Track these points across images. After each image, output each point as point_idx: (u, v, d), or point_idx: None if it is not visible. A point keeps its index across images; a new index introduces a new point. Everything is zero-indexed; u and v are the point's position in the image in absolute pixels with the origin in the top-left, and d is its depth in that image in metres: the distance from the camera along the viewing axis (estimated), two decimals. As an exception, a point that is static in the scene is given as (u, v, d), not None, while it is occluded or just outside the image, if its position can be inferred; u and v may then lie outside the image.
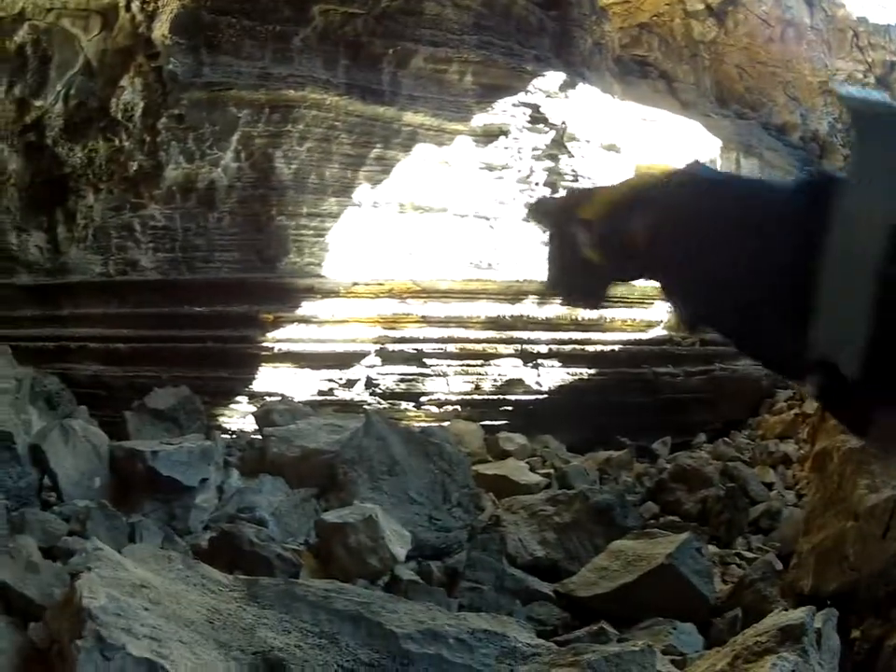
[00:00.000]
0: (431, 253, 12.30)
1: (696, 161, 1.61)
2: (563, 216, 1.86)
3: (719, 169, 17.06)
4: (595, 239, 1.74)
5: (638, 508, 9.30)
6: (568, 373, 12.61)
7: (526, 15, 13.70)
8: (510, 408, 12.07)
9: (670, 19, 19.00)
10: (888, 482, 5.89)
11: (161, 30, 10.98)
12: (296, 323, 11.22)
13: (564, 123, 13.43)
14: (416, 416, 11.35)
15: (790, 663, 3.55)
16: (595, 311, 12.71)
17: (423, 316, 11.87)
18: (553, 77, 13.54)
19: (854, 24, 20.68)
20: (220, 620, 3.68)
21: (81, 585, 3.34)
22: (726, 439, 12.81)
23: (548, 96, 13.42)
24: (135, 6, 11.21)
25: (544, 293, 12.71)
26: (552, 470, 10.26)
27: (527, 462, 10.57)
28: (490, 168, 12.92)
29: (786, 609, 4.37)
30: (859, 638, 5.32)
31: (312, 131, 11.64)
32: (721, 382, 13.73)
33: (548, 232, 1.93)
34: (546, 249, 1.85)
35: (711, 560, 7.38)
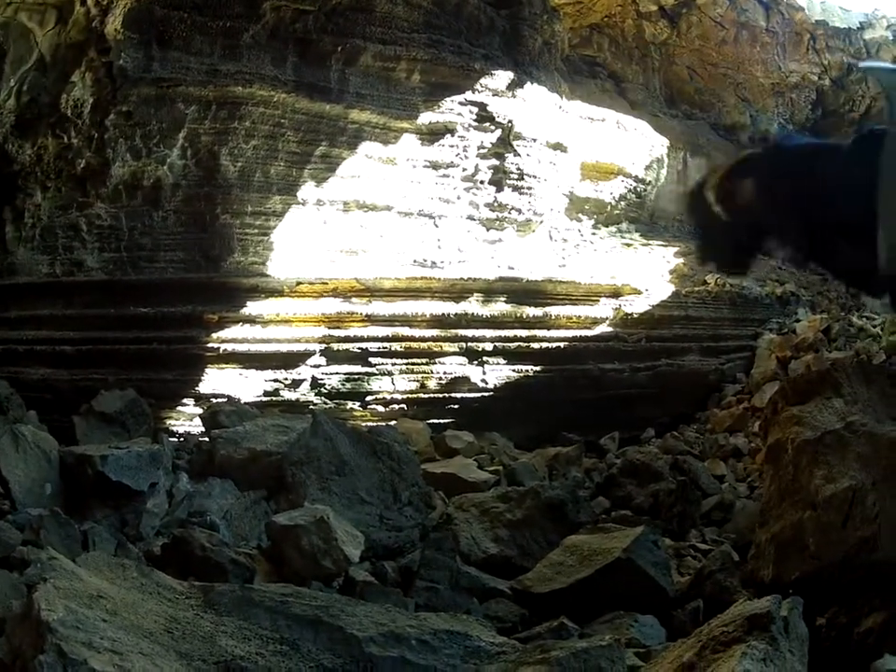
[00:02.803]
0: (376, 251, 12.27)
1: (784, 129, 1.82)
2: (697, 197, 2.09)
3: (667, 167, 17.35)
4: (719, 201, 1.98)
5: (590, 503, 9.30)
6: (514, 371, 12.62)
7: (477, 14, 13.71)
8: (456, 406, 12.05)
9: (622, 20, 19.03)
10: (844, 472, 5.99)
11: (113, 24, 10.77)
12: (241, 323, 11.08)
13: (510, 122, 13.48)
14: (363, 416, 11.26)
15: (759, 651, 3.56)
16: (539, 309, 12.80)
17: (367, 315, 11.80)
18: (502, 76, 13.61)
19: (812, 27, 20.87)
20: (179, 629, 3.60)
21: (38, 598, 3.24)
22: (675, 433, 12.95)
23: (495, 95, 13.47)
24: (91, 0, 11.01)
25: (489, 290, 12.78)
26: (500, 468, 10.20)
27: (475, 460, 10.51)
28: (435, 166, 12.92)
29: (749, 599, 4.39)
30: (825, 626, 5.39)
31: (258, 128, 11.54)
32: (667, 377, 13.87)
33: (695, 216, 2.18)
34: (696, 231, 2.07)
35: (666, 552, 7.37)
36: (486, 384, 12.32)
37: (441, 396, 12.04)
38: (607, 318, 13.76)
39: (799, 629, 3.93)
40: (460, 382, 12.16)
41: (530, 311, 13.03)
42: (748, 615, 3.83)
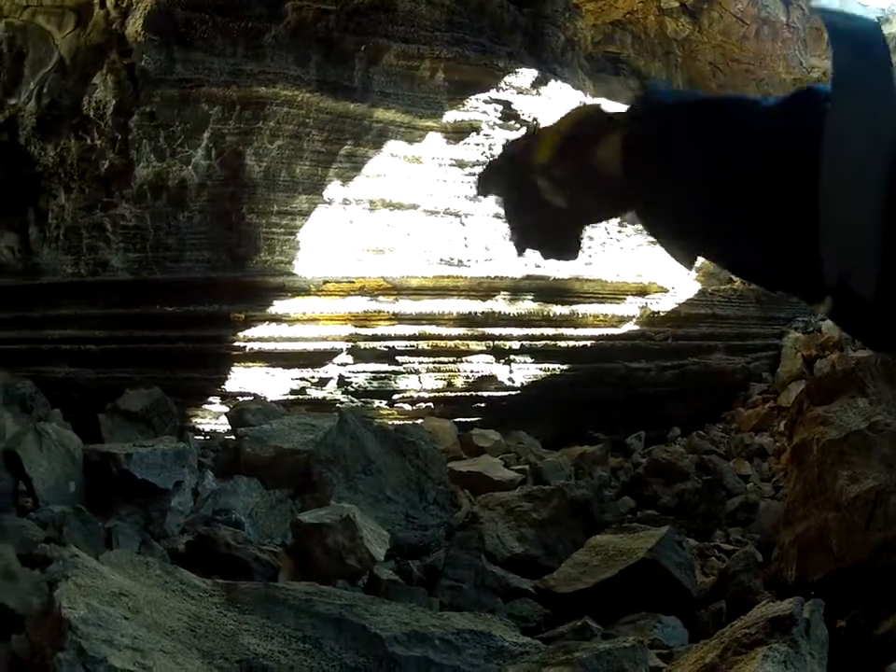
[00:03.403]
0: (402, 250, 12.23)
1: (651, 86, 1.47)
2: (514, 168, 1.68)
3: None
4: (558, 181, 1.57)
5: (615, 502, 9.35)
6: (541, 369, 12.61)
7: (500, 12, 13.66)
8: (482, 404, 12.04)
9: (644, 16, 18.89)
10: (868, 472, 5.96)
11: (134, 27, 10.82)
12: (267, 322, 11.12)
13: (535, 119, 13.41)
14: (389, 414, 11.27)
15: (780, 654, 3.54)
16: (566, 307, 12.71)
17: (394, 314, 11.81)
18: (526, 74, 13.54)
19: None
20: (202, 627, 3.61)
21: (60, 595, 3.26)
22: (700, 432, 12.87)
23: (520, 93, 13.41)
24: (109, 2, 11.02)
25: (516, 289, 12.72)
26: (526, 466, 10.22)
27: (502, 458, 10.51)
28: (461, 165, 12.88)
29: (772, 601, 4.36)
30: (844, 628, 5.35)
31: (283, 128, 11.54)
32: (694, 376, 13.81)
33: (503, 194, 1.75)
34: (505, 212, 1.69)
35: (691, 553, 7.36)
36: (513, 382, 12.30)
37: (467, 394, 12.02)
38: (633, 317, 13.70)
39: (819, 631, 3.90)
40: (487, 380, 12.14)
41: (557, 309, 12.99)
42: (770, 617, 3.81)
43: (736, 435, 12.77)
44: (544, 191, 1.59)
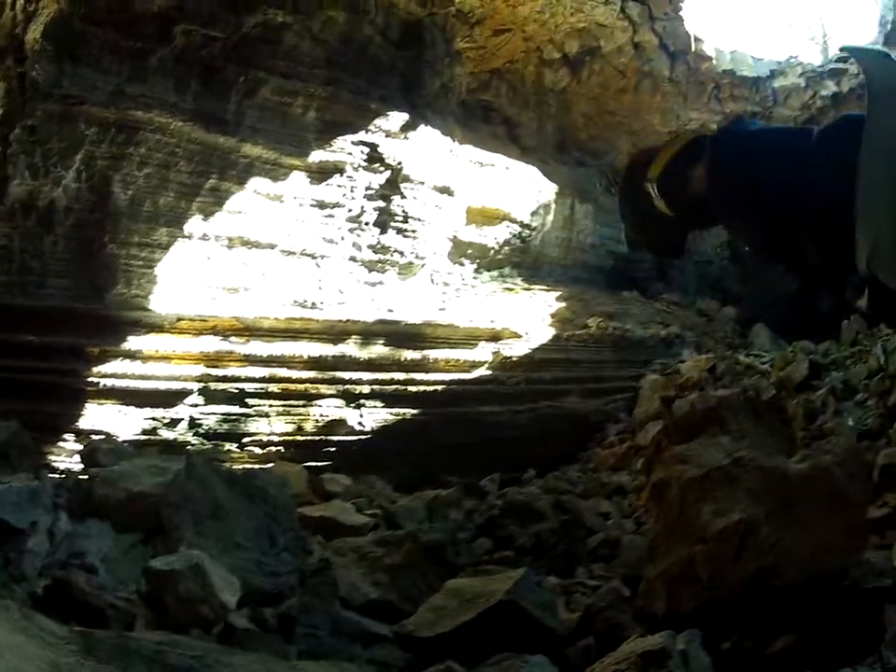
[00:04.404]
0: (257, 290, 12.11)
1: (739, 116, 1.83)
2: (633, 177, 2.05)
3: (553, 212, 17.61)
4: (665, 194, 1.94)
5: (471, 545, 9.29)
6: (391, 413, 12.57)
7: (380, 54, 13.80)
8: (333, 449, 11.90)
9: (524, 66, 19.17)
10: (734, 506, 6.10)
11: (34, 33, 10.52)
12: (121, 358, 10.77)
13: (400, 164, 13.53)
14: (240, 458, 11.03)
15: (659, 687, 3.57)
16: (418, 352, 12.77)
17: (245, 355, 11.62)
18: (396, 118, 13.69)
19: (718, 77, 21.27)
20: (60, 676, 3.44)
21: None
22: (556, 473, 12.97)
23: (388, 136, 13.54)
24: (19, 4, 10.73)
25: (368, 333, 12.69)
26: (378, 511, 10.08)
27: (353, 503, 10.31)
28: (322, 206, 12.85)
29: (641, 636, 4.41)
30: (730, 650, 5.46)
31: (152, 156, 11.30)
32: (548, 419, 13.98)
33: (621, 197, 2.22)
34: (622, 212, 2.09)
35: (553, 590, 7.39)
36: (363, 426, 12.22)
37: (318, 438, 11.86)
38: (486, 362, 13.81)
39: (700, 659, 3.97)
40: (337, 424, 12.02)
41: (408, 354, 12.99)
42: (640, 652, 3.85)
43: (594, 474, 12.89)
44: (654, 200, 1.89)
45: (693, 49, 20.28)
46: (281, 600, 6.80)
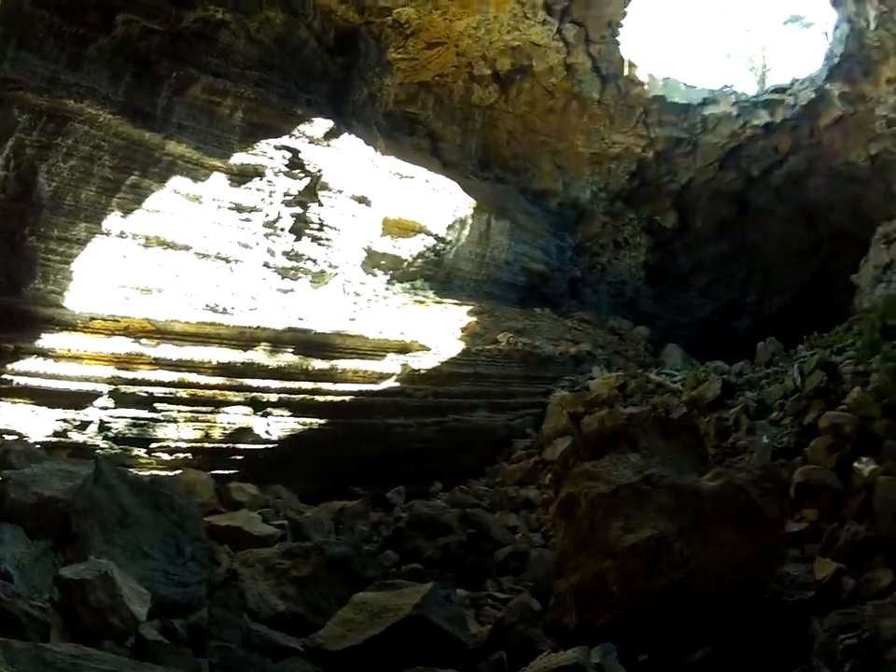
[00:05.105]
0: (170, 292, 11.92)
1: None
2: None
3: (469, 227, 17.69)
4: None
5: (377, 557, 9.30)
6: (299, 423, 12.44)
7: (313, 59, 13.76)
8: (240, 457, 11.74)
9: (453, 80, 19.30)
10: (644, 522, 6.22)
11: None
12: (35, 356, 10.47)
13: (320, 171, 13.48)
14: (148, 463, 10.80)
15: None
16: (326, 361, 12.68)
17: (155, 359, 11.40)
18: (321, 124, 13.67)
19: (647, 102, 21.58)
20: (-19, 687, 3.37)
21: None
22: (463, 486, 13.06)
23: (311, 142, 13.50)
24: None
25: (278, 341, 12.54)
26: (285, 522, 10.00)
27: (260, 513, 10.23)
28: (239, 209, 12.75)
29: (554, 650, 4.45)
30: (647, 661, 5.54)
31: (79, 148, 11.05)
32: (455, 432, 14.04)
33: None
34: None
35: (463, 603, 7.42)
36: (270, 435, 12.07)
37: (225, 446, 11.67)
38: (394, 374, 13.78)
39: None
40: (244, 433, 11.85)
41: (317, 363, 12.89)
42: (554, 668, 3.88)
43: (501, 488, 13.02)
44: None
45: (625, 73, 20.69)
46: (190, 611, 6.71)
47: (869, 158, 21.22)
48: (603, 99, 20.90)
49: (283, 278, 13.51)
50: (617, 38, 19.66)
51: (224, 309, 12.35)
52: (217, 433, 11.68)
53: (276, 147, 13.12)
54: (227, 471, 11.42)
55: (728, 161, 23.38)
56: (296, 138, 13.35)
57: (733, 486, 6.56)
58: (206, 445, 11.54)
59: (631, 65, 20.69)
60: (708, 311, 25.71)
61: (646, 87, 21.33)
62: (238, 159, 12.71)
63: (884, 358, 12.59)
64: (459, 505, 11.44)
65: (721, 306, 25.82)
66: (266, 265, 13.25)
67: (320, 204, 13.78)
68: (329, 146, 13.83)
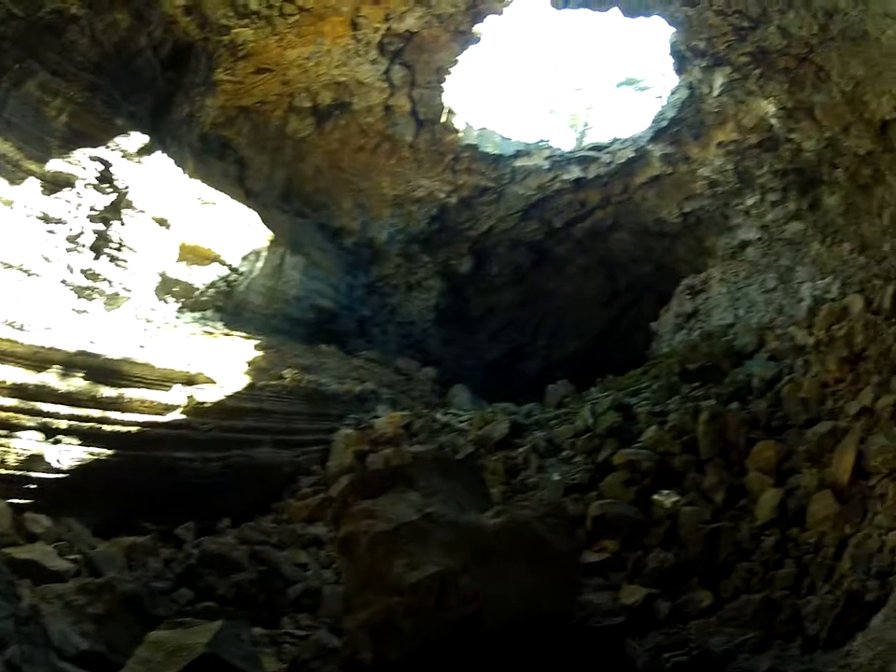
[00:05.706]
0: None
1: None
2: None
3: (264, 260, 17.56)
4: None
5: (171, 595, 9.19)
6: (88, 453, 11.86)
7: (145, 68, 13.38)
8: (34, 486, 11.04)
9: (272, 109, 19.02)
10: (428, 559, 6.45)
11: None
12: None
13: (127, 188, 13.10)
14: (-55, 490, 10.01)
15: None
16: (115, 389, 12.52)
17: (-56, 376, 10.60)
18: (136, 139, 13.33)
19: (459, 150, 21.79)
20: None
21: None
22: (251, 523, 12.95)
23: (124, 156, 13.15)
24: None
25: (69, 364, 11.84)
26: (79, 556, 9.73)
27: (55, 546, 9.86)
28: (46, 220, 12.24)
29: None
30: None
31: None
32: (240, 468, 13.87)
33: None
34: None
35: (261, 642, 7.51)
36: (60, 464, 11.37)
37: (19, 473, 10.94)
38: (179, 406, 13.40)
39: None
40: (36, 460, 11.13)
41: (105, 391, 12.33)
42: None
43: (288, 525, 13.02)
44: None
45: (443, 119, 20.93)
46: (3, 647, 6.68)
47: (682, 215, 22.15)
48: (415, 143, 21.16)
49: (79, 297, 12.92)
50: (442, 85, 19.94)
51: (22, 326, 11.54)
52: (11, 459, 10.90)
53: (91, 158, 12.75)
54: (22, 500, 10.73)
55: (531, 211, 24.03)
56: (111, 150, 13.01)
57: (516, 522, 6.95)
58: (2, 472, 10.76)
59: (450, 112, 21.02)
60: (497, 354, 26.39)
61: (460, 134, 21.72)
62: (53, 165, 12.27)
63: (683, 399, 13.69)
64: (248, 542, 11.39)
65: (512, 349, 26.52)
66: (64, 282, 12.65)
67: (122, 223, 13.40)
68: (140, 162, 13.52)
